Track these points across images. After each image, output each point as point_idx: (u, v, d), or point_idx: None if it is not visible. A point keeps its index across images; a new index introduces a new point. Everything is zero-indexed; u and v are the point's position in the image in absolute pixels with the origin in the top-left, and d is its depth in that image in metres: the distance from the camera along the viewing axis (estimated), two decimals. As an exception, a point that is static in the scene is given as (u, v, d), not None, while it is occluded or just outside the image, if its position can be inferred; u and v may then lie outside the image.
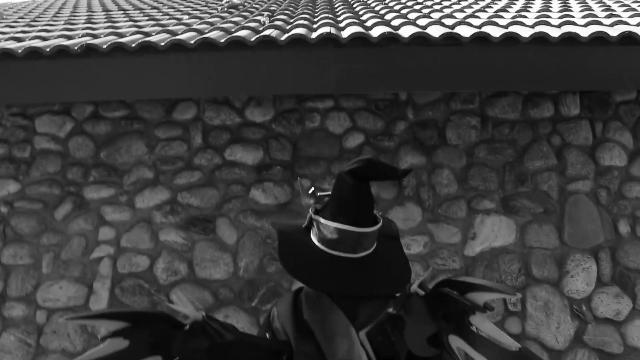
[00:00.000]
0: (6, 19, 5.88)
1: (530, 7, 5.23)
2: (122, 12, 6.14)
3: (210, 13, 5.59)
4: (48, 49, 3.60)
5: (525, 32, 3.57)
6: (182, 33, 3.95)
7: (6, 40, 4.15)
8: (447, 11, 4.94)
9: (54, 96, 4.22)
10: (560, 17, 4.32)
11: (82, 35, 4.11)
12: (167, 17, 5.42)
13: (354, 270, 1.70)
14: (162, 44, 3.56)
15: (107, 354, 1.44)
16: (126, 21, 5.16)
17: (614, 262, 4.16)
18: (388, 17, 4.56)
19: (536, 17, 4.31)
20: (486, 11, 4.92)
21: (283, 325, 1.72)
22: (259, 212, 4.19)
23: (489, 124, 4.28)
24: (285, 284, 4.08)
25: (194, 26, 4.22)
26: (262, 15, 4.83)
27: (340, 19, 4.58)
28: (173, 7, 6.53)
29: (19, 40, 4.12)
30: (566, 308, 4.07)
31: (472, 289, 1.24)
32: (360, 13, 4.95)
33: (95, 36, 4.07)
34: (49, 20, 5.58)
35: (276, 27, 3.99)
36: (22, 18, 5.95)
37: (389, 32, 3.53)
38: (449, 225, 4.16)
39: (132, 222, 4.26)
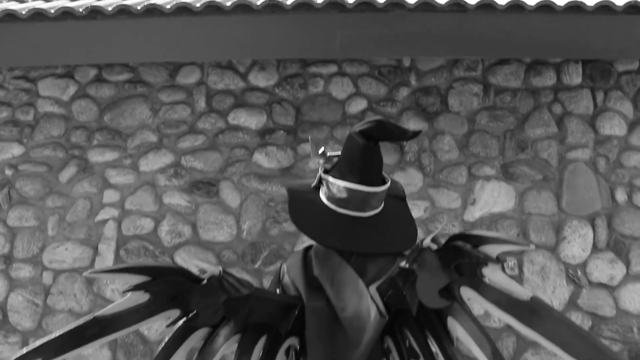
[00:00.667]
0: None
1: (534, -26, 5.19)
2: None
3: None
4: (52, 11, 3.60)
5: (531, 0, 3.57)
6: (186, -4, 3.94)
7: (9, 0, 4.13)
8: (451, -23, 4.91)
9: (57, 59, 4.23)
10: (565, -15, 4.32)
11: (86, -3, 4.10)
12: (169, -20, 5.37)
13: (362, 228, 1.75)
14: (168, 6, 3.56)
15: (128, 307, 1.50)
16: (128, -16, 5.12)
17: (610, 229, 4.24)
18: (392, -18, 4.53)
19: (541, -16, 4.30)
20: (491, -22, 4.88)
21: (293, 281, 1.78)
22: (262, 175, 4.24)
23: (491, 91, 4.31)
24: (287, 247, 4.15)
25: (198, -11, 4.20)
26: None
27: (344, -16, 4.55)
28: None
29: (22, 1, 4.10)
30: (562, 273, 4.17)
31: (486, 241, 1.29)
32: (364, -22, 4.91)
33: (99, -2, 4.06)
34: (49, -18, 5.52)
35: (281, -9, 3.98)
36: (21, -21, 5.89)
37: (394, -3, 3.54)
38: (450, 191, 4.22)
39: (137, 185, 4.30)
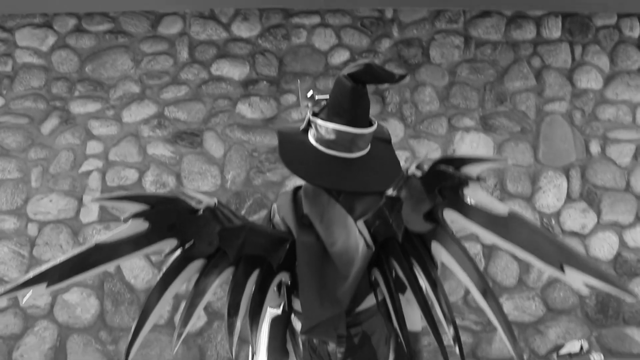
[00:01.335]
0: None
1: None
2: None
3: None
4: (31, -44, 3.52)
5: (512, -50, 3.60)
6: (167, -57, 3.88)
7: (-16, -54, 4.02)
8: None
9: (34, 6, 4.16)
10: (547, -63, 4.34)
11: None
12: None
13: (350, 168, 1.82)
14: (149, -47, 3.51)
15: (128, 235, 1.56)
16: None
17: (584, 180, 4.39)
18: None
19: (523, -64, 4.31)
20: None
21: (284, 219, 1.85)
22: (246, 126, 4.28)
23: (472, 44, 4.37)
24: (271, 196, 4.23)
25: (179, -63, 4.14)
26: None
27: None
28: None
29: (-3, -54, 4.01)
30: (537, 221, 4.32)
31: (466, 162, 1.37)
32: None
33: (77, -56, 3.97)
34: None
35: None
36: None
37: (378, -54, 3.54)
38: (430, 142, 4.31)
39: (120, 136, 4.31)
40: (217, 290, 4.06)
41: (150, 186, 4.25)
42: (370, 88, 4.22)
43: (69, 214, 4.29)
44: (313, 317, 1.71)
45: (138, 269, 4.20)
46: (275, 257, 1.73)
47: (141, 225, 1.54)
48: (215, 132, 4.30)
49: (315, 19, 4.30)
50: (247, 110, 4.29)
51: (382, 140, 1.95)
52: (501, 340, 4.21)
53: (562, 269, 1.28)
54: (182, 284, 1.67)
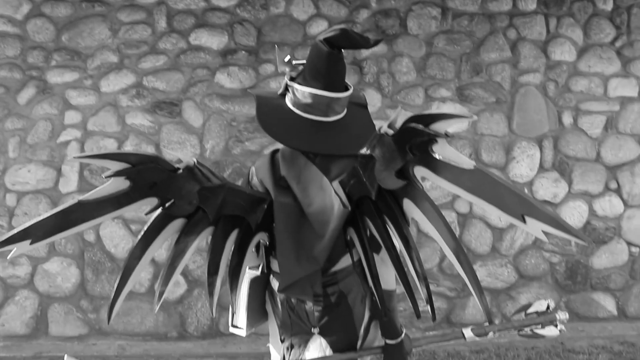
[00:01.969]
0: None
1: None
2: None
3: None
4: None
5: None
6: None
7: None
8: None
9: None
10: None
11: None
12: None
13: (326, 131, 1.87)
14: None
15: (110, 192, 1.60)
16: None
17: (556, 150, 4.51)
18: None
19: None
20: None
21: (262, 181, 1.90)
22: (225, 96, 4.30)
23: (449, 15, 4.41)
24: (249, 164, 4.26)
25: None
26: None
27: None
28: None
29: None
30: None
31: (435, 119, 1.43)
32: None
33: None
34: None
35: None
36: None
37: None
38: (407, 112, 4.36)
39: (98, 106, 4.30)
40: (197, 258, 4.12)
41: (129, 156, 4.26)
42: (347, 59, 4.24)
43: (47, 184, 4.29)
44: (290, 275, 1.77)
45: (118, 238, 4.23)
46: (254, 217, 1.78)
47: (123, 184, 1.58)
48: (194, 101, 4.31)
49: (294, -11, 4.30)
50: (225, 80, 4.30)
51: (358, 105, 2.00)
52: (474, 306, 4.35)
53: (523, 219, 1.37)
54: (163, 242, 1.72)
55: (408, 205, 1.60)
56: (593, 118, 4.55)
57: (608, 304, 4.55)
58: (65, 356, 1.75)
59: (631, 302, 4.56)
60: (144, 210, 1.67)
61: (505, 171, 4.43)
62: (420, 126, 1.44)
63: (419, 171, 1.52)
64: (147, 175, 1.59)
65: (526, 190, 4.44)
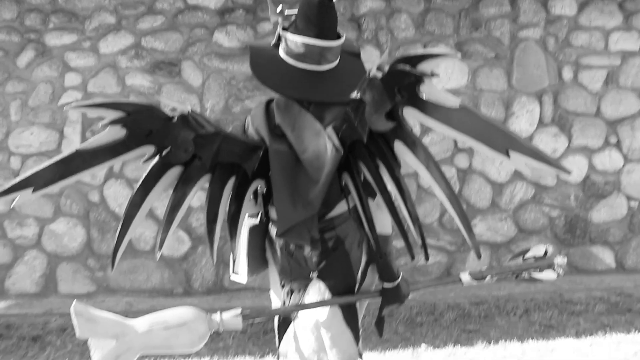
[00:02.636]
0: None
1: None
2: None
3: None
4: None
5: None
6: None
7: None
8: None
9: None
10: None
11: None
12: None
13: (319, 80, 1.90)
14: None
15: (107, 141, 1.64)
16: None
17: (556, 105, 4.52)
18: None
19: None
20: None
21: (257, 129, 1.94)
22: (223, 55, 4.31)
23: (447, -31, 4.38)
24: (251, 126, 4.30)
25: None
26: None
27: None
28: None
29: None
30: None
31: (421, 60, 1.46)
32: None
33: None
34: None
35: None
36: None
37: None
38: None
39: (98, 68, 4.32)
40: (200, 215, 4.19)
41: (130, 117, 4.29)
42: (345, 15, 4.24)
43: (50, 146, 4.34)
44: (287, 220, 1.82)
45: (122, 198, 4.30)
46: (250, 164, 1.82)
47: (119, 132, 1.62)
48: (193, 61, 4.32)
49: (291, -55, 4.25)
50: (224, 39, 4.30)
51: (351, 54, 2.02)
52: (475, 260, 4.42)
53: (507, 154, 1.41)
54: (162, 190, 1.76)
55: (399, 147, 1.64)
56: (593, 72, 4.54)
57: (606, 257, 4.61)
58: (74, 302, 1.81)
59: (629, 255, 4.62)
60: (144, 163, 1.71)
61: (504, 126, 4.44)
62: (407, 67, 1.47)
63: (408, 112, 1.56)
64: (142, 124, 1.63)
65: (526, 146, 4.46)
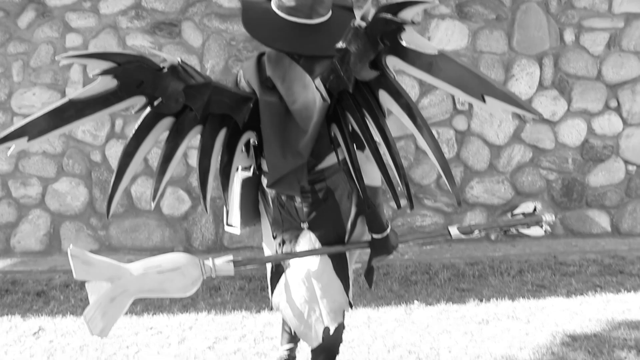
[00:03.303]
0: None
1: None
2: None
3: None
4: None
5: None
6: None
7: None
8: None
9: None
10: None
11: None
12: None
13: (310, 33, 1.93)
14: None
15: (99, 91, 1.68)
16: None
17: (556, 68, 4.50)
18: None
19: None
20: None
21: (249, 82, 1.98)
22: (223, 15, 4.30)
23: None
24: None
25: None
26: None
27: None
28: None
29: None
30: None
31: (402, 7, 1.49)
32: None
33: None
34: None
35: None
36: None
37: None
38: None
39: (98, 29, 4.33)
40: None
41: (131, 78, 4.32)
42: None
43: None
44: (277, 169, 1.87)
45: (124, 158, 4.35)
46: (241, 116, 1.86)
47: (110, 83, 1.66)
48: (193, 22, 4.32)
49: None
50: (224, -1, 4.30)
51: (343, 8, 2.05)
52: (472, 221, 4.48)
53: (483, 99, 1.45)
54: (154, 141, 1.81)
55: (383, 97, 1.67)
56: (596, 35, 4.51)
57: (602, 220, 4.65)
58: (71, 246, 1.88)
59: (625, 219, 4.66)
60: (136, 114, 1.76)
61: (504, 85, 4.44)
62: (389, 15, 1.49)
63: (391, 60, 1.59)
64: (133, 74, 1.66)
65: (524, 109, 4.47)
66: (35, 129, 1.64)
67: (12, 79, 4.39)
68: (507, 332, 2.99)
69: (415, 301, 3.41)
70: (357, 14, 1.65)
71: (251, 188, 2.14)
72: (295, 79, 1.87)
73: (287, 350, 2.41)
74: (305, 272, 2.07)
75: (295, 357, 2.44)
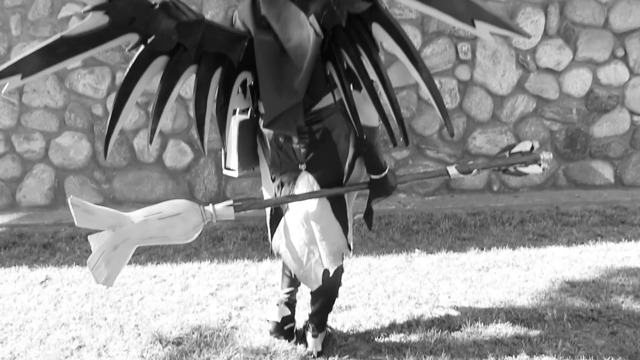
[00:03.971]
0: None
1: None
2: None
3: None
4: None
5: None
6: None
7: None
8: None
9: None
10: None
11: None
12: None
13: None
14: None
15: (91, 28, 1.66)
16: None
17: (562, 17, 4.41)
18: None
19: None
20: None
21: (244, 21, 1.95)
22: (223, -36, 4.24)
23: None
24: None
25: None
26: None
27: None
28: None
29: None
30: (512, 57, 4.41)
31: None
32: None
33: None
34: None
35: None
36: None
37: None
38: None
39: (95, -21, 4.26)
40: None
41: (130, 30, 4.27)
42: None
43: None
44: (273, 108, 1.86)
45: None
46: (235, 55, 1.84)
47: (102, 19, 1.64)
48: (192, -30, 4.26)
49: None
50: (223, -54, 4.22)
51: None
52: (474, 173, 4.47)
53: (473, 24, 1.44)
54: (148, 80, 1.80)
55: (377, 30, 1.66)
56: (604, -19, 4.40)
57: (606, 172, 4.64)
58: (71, 197, 1.89)
59: (629, 170, 4.64)
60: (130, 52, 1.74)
61: (508, 38, 4.37)
62: None
63: None
64: (124, 10, 1.64)
65: (529, 58, 4.41)
66: (28, 67, 1.63)
67: (11, 33, 4.35)
68: (506, 278, 3.02)
69: (416, 249, 3.43)
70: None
71: (249, 131, 2.13)
72: (290, 18, 1.84)
73: (287, 294, 2.44)
74: (304, 214, 2.08)
75: (295, 301, 2.48)
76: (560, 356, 2.26)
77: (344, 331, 2.51)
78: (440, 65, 4.34)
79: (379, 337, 2.45)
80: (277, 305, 2.40)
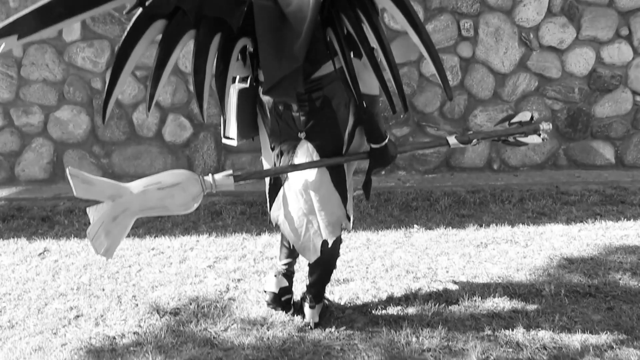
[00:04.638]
0: None
1: None
2: None
3: None
4: None
5: None
6: None
7: None
8: None
9: None
10: None
11: None
12: None
13: None
14: None
15: None
16: None
17: (566, -6, 4.37)
18: None
19: None
20: None
21: (243, -13, 1.92)
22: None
23: None
24: None
25: None
26: None
27: None
28: None
29: None
30: (515, 35, 4.36)
31: None
32: None
33: None
34: None
35: None
36: None
37: None
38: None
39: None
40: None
41: (129, 2, 4.23)
42: None
43: (52, 33, 4.25)
44: (272, 74, 1.84)
45: (124, 85, 4.31)
46: (234, 20, 1.81)
47: None
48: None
49: None
50: None
51: None
52: (474, 150, 4.46)
53: None
54: (147, 45, 1.77)
55: None
56: (610, -41, 4.34)
57: (607, 152, 4.61)
58: (69, 167, 1.88)
59: (630, 150, 4.61)
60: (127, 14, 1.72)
61: (511, 15, 4.32)
62: None
63: None
64: None
65: (532, 35, 4.36)
66: (24, 27, 1.60)
67: (9, 5, 4.31)
68: (505, 254, 3.02)
69: (415, 225, 3.43)
70: None
71: (248, 100, 2.11)
72: None
73: (285, 265, 2.44)
74: (303, 183, 2.07)
75: (293, 272, 2.48)
76: (557, 330, 2.27)
77: (342, 303, 2.51)
78: (442, 42, 4.29)
79: (376, 310, 2.46)
80: (275, 276, 2.40)
